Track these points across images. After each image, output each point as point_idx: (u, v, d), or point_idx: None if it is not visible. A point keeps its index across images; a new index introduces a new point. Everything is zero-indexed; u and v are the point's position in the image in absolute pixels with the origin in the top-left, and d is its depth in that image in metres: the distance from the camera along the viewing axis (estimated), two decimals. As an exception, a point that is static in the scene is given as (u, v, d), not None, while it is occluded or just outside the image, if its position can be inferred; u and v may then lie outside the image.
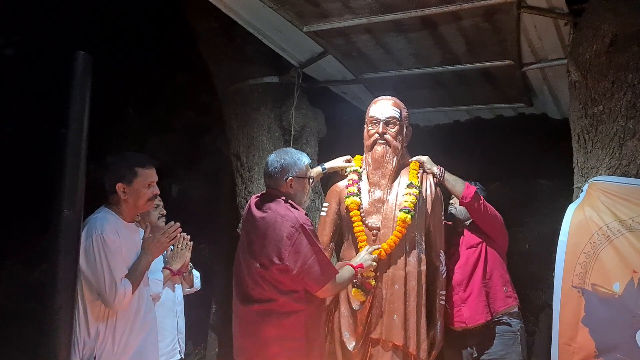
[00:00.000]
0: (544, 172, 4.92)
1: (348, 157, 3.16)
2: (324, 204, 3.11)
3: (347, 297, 2.87)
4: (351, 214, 2.91)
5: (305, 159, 2.60)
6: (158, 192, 2.51)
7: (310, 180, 2.66)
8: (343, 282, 2.59)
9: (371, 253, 2.75)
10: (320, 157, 4.50)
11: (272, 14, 3.34)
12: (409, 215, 2.83)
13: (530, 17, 3.14)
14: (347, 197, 2.94)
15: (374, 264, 2.74)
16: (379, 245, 2.80)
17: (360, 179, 3.00)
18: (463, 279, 3.19)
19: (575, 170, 3.17)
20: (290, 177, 2.52)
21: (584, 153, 3.07)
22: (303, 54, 4.05)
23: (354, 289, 2.82)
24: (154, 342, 2.56)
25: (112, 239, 2.30)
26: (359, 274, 2.74)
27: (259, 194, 2.64)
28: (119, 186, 2.39)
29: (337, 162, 3.14)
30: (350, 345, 2.80)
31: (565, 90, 3.35)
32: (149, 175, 2.44)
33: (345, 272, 2.62)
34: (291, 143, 4.24)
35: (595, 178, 2.96)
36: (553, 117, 4.81)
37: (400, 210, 2.85)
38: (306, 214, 2.53)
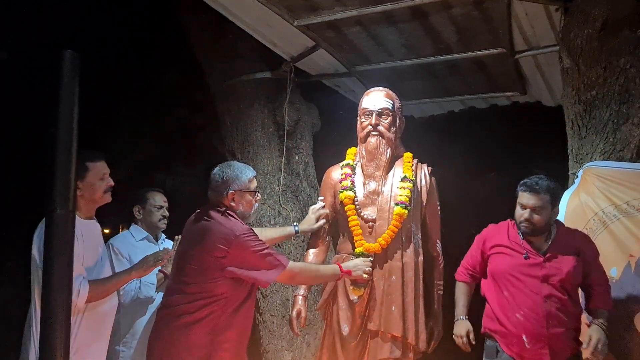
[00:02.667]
0: (540, 160, 4.93)
1: (317, 206, 3.03)
2: (319, 198, 3.10)
3: (344, 290, 2.87)
4: (346, 208, 2.90)
5: (248, 173, 2.56)
6: (112, 184, 2.53)
7: (256, 194, 2.61)
8: (315, 275, 2.66)
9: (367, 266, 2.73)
10: (315, 151, 4.49)
11: (262, 8, 3.33)
12: (406, 211, 2.82)
13: (520, 4, 3.13)
14: (340, 192, 2.94)
15: (365, 276, 2.73)
16: (372, 258, 2.78)
17: (353, 172, 2.99)
18: (536, 330, 2.52)
19: (569, 157, 3.17)
20: (231, 191, 2.49)
21: (578, 139, 3.07)
22: (295, 48, 4.04)
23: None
24: (105, 339, 2.58)
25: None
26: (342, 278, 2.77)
27: (200, 208, 2.58)
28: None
29: (309, 222, 3.00)
30: (349, 337, 2.81)
31: (558, 77, 3.35)
32: (101, 168, 2.48)
33: (327, 268, 2.68)
34: (285, 138, 4.24)
35: (589, 163, 2.96)
36: (547, 105, 4.81)
37: (396, 204, 2.84)
38: (250, 227, 2.49)
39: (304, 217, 4.25)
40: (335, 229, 3.06)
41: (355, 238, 2.86)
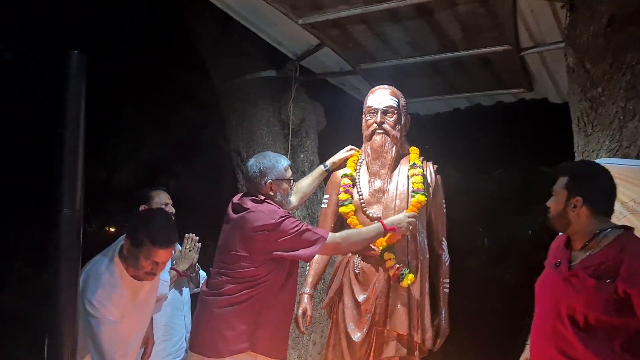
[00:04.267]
0: (546, 157, 4.92)
1: (349, 147, 3.14)
2: (325, 196, 3.11)
3: (350, 289, 2.87)
4: (348, 221, 2.89)
5: (283, 162, 2.66)
6: (157, 273, 2.44)
7: (291, 182, 2.71)
8: (359, 239, 2.64)
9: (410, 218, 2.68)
10: (321, 150, 4.50)
11: (266, 7, 3.34)
12: (425, 198, 2.83)
13: (526, 0, 3.12)
14: (341, 205, 2.93)
15: (411, 227, 2.68)
16: (416, 214, 2.77)
17: (353, 182, 2.98)
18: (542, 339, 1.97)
19: (576, 154, 3.15)
20: (269, 180, 2.59)
21: (584, 136, 3.06)
22: (299, 46, 4.05)
23: (410, 274, 2.78)
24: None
25: (95, 307, 2.25)
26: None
27: (239, 195, 2.67)
28: (126, 241, 2.35)
29: (339, 155, 3.12)
30: (355, 336, 2.81)
31: (565, 74, 3.32)
32: (155, 254, 2.35)
33: (370, 228, 2.66)
34: (290, 137, 4.24)
35: (595, 161, 2.94)
36: (553, 102, 4.78)
37: (414, 192, 2.84)
38: (287, 211, 2.58)
39: (309, 215, 4.29)
40: (341, 229, 3.06)
41: None
